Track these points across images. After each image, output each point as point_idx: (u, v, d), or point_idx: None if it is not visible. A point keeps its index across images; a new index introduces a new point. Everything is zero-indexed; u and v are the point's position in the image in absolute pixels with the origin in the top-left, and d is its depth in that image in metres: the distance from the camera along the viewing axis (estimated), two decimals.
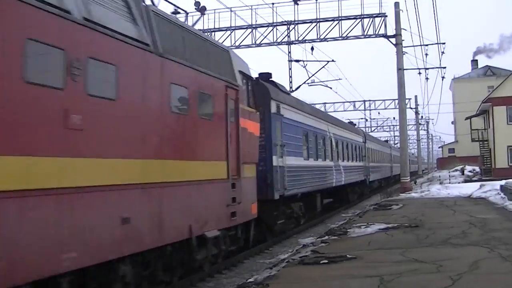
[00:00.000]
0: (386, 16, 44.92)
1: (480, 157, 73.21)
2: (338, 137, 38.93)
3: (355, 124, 61.62)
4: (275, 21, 46.96)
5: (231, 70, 18.43)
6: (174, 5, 18.82)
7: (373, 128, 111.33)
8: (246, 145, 18.59)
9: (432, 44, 53.59)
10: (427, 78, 63.87)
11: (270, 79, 26.88)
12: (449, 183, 55.46)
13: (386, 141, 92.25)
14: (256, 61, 77.43)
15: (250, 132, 19.34)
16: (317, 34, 46.50)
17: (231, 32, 47.72)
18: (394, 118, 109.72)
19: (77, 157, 9.95)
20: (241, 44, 47.76)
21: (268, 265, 18.27)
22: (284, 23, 47.06)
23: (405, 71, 45.76)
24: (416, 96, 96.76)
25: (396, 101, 59.46)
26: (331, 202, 41.79)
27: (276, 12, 46.50)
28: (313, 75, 50.87)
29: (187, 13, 44.97)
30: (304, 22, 46.95)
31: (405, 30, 45.86)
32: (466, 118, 76.85)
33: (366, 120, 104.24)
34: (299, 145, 28.02)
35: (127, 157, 11.64)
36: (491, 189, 35.90)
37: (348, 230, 21.46)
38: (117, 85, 11.28)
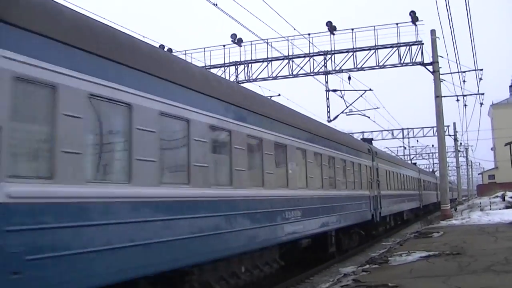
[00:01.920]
0: (423, 43, 44.83)
1: None
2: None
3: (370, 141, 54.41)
4: (311, 51, 47.12)
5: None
6: None
7: (411, 156, 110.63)
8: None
9: (469, 70, 53.25)
10: (465, 105, 63.46)
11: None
12: (490, 209, 54.85)
13: (433, 171, 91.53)
14: (293, 92, 77.25)
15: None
16: (354, 63, 46.55)
17: (268, 64, 47.97)
18: (433, 145, 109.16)
19: None
20: (278, 75, 48.00)
21: None
22: (320, 53, 47.18)
23: (443, 98, 45.54)
24: (454, 123, 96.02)
25: (435, 128, 59.13)
26: None
27: (312, 43, 46.63)
28: (350, 104, 50.79)
29: (224, 46, 45.27)
30: (340, 52, 47.01)
31: (442, 57, 45.56)
32: (506, 144, 76.02)
33: (405, 148, 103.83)
34: None
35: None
36: None
37: (389, 258, 21.38)
38: None
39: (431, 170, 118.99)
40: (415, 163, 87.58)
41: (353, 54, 46.48)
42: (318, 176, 24.82)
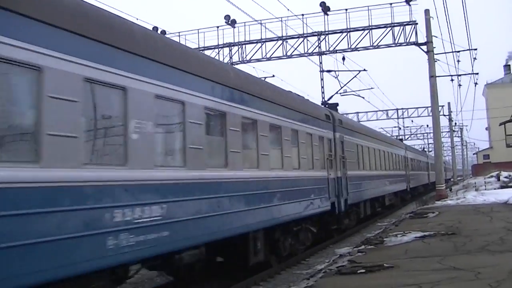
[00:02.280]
0: (417, 23, 44.72)
1: None
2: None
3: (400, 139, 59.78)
4: (305, 32, 47.02)
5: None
6: None
7: (406, 136, 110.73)
8: None
9: (463, 50, 53.21)
10: (459, 85, 63.51)
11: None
12: (485, 189, 54.94)
13: (423, 149, 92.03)
14: (287, 73, 77.15)
15: None
16: (348, 44, 46.46)
17: (262, 45, 47.87)
18: (427, 125, 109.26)
19: None
20: (272, 56, 47.91)
21: (305, 276, 18.28)
22: (314, 34, 47.08)
23: (437, 78, 45.48)
24: (449, 103, 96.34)
25: (429, 108, 59.18)
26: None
27: (306, 23, 46.52)
28: (345, 85, 50.73)
29: (218, 27, 45.11)
30: (334, 32, 46.90)
31: (436, 37, 45.62)
32: (500, 124, 76.05)
33: (400, 128, 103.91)
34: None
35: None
36: None
37: (385, 239, 21.40)
38: None
39: (426, 150, 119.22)
40: (401, 139, 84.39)
41: (347, 35, 46.40)
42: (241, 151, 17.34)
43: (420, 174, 75.17)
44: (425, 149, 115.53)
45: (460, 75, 59.75)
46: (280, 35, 47.19)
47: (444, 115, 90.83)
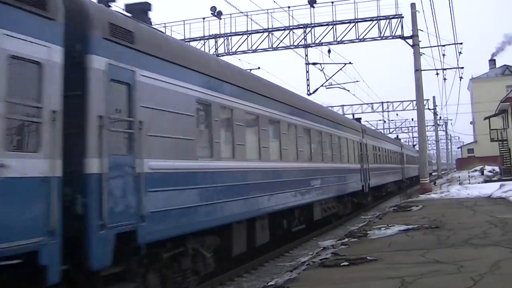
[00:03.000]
0: (403, 17, 44.72)
1: (499, 157, 72.80)
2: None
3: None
4: (291, 24, 46.94)
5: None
6: None
7: (391, 130, 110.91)
8: None
9: (449, 44, 53.25)
10: (445, 79, 63.55)
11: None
12: (469, 183, 55.17)
13: (397, 138, 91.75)
14: (273, 65, 77.21)
15: None
16: (334, 37, 46.40)
17: (248, 37, 47.75)
18: (412, 119, 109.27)
19: None
20: (257, 48, 47.79)
21: (288, 268, 18.31)
22: (300, 26, 47.00)
23: (422, 72, 45.57)
24: (434, 97, 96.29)
25: (414, 102, 59.25)
26: None
27: (292, 16, 46.51)
28: (330, 77, 50.67)
29: (203, 19, 44.98)
30: (320, 25, 46.84)
31: (422, 31, 45.63)
32: (485, 118, 76.44)
33: (384, 121, 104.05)
34: None
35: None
36: (511, 188, 35.73)
37: (368, 232, 21.46)
38: None
39: (411, 144, 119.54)
40: (399, 139, 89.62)
41: (333, 27, 46.33)
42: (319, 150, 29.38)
43: (389, 168, 75.32)
44: (409, 143, 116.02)
45: (445, 69, 59.84)
46: (266, 27, 47.09)
47: (429, 109, 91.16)
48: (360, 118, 56.64)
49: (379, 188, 50.07)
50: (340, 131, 34.51)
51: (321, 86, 51.36)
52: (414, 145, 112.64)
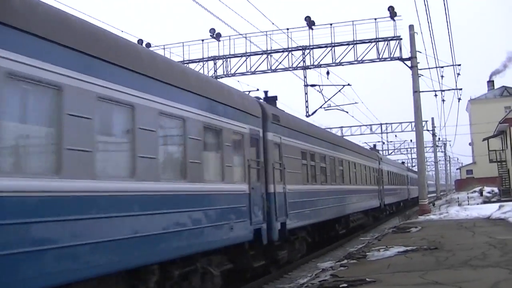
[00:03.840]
0: (401, 39, 44.99)
1: (498, 178, 72.91)
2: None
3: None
4: (290, 46, 47.15)
5: None
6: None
7: (390, 151, 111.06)
8: None
9: (447, 66, 53.39)
10: (443, 100, 63.99)
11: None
12: (468, 204, 55.22)
13: (403, 163, 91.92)
14: (272, 87, 77.15)
15: None
16: (333, 59, 46.61)
17: (247, 58, 47.95)
18: (411, 140, 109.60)
19: None
20: (256, 70, 47.96)
21: None
22: (299, 48, 47.21)
23: (421, 93, 45.75)
24: (432, 118, 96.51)
25: (413, 123, 59.33)
26: None
27: (290, 38, 46.64)
28: (329, 99, 50.78)
29: (202, 41, 45.28)
30: (319, 46, 47.06)
31: (420, 52, 45.70)
32: (484, 139, 76.62)
33: (383, 143, 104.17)
34: None
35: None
36: (511, 209, 35.73)
37: (367, 253, 21.42)
38: None
39: (409, 165, 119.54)
40: (403, 163, 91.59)
41: (331, 49, 46.56)
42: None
43: (398, 189, 67.61)
44: (407, 164, 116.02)
45: (443, 90, 59.94)
46: (265, 49, 47.29)
47: (428, 130, 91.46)
48: (376, 147, 69.35)
49: (390, 205, 58.90)
50: (364, 160, 43.89)
51: (320, 107, 51.53)
52: (413, 166, 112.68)
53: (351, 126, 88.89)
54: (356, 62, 46.30)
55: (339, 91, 49.94)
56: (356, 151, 40.92)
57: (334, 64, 46.88)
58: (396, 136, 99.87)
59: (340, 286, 14.51)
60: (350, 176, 36.41)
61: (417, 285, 13.61)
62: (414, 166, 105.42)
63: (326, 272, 18.55)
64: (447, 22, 45.00)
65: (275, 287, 20.77)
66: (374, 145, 68.48)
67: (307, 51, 47.22)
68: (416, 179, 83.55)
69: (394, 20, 44.68)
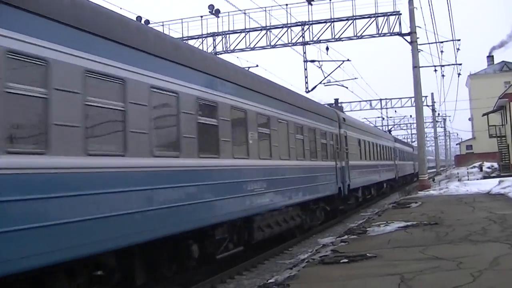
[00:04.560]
0: (401, 14, 44.86)
1: (498, 153, 73.05)
2: None
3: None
4: (289, 22, 47.02)
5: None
6: None
7: (390, 127, 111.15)
8: None
9: (447, 41, 53.39)
10: (443, 75, 64.00)
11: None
12: (468, 180, 55.31)
13: (389, 131, 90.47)
14: (271, 63, 77.36)
15: None
16: (332, 34, 46.50)
17: (246, 34, 47.84)
18: (411, 116, 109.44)
19: None
20: (255, 46, 47.85)
21: (288, 265, 18.30)
22: (298, 23, 47.09)
23: (421, 68, 45.68)
24: (432, 94, 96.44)
25: (413, 99, 59.32)
26: None
27: (290, 13, 46.56)
28: (328, 75, 50.75)
29: (201, 17, 45.04)
30: (318, 22, 46.95)
31: (420, 27, 45.74)
32: (483, 115, 76.63)
33: (383, 118, 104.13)
34: None
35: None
36: (510, 185, 35.79)
37: (368, 229, 21.44)
38: None
39: (409, 140, 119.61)
40: (390, 131, 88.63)
41: (331, 25, 46.43)
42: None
43: (406, 164, 75.96)
44: (407, 139, 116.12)
45: (443, 65, 59.94)
46: (264, 25, 47.15)
47: (428, 106, 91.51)
48: (337, 102, 52.32)
49: (368, 188, 44.36)
50: (303, 117, 26.88)
51: (319, 83, 51.48)
52: (412, 142, 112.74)
53: (350, 102, 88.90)
54: (355, 38, 46.19)
55: (339, 66, 49.97)
56: (381, 136, 58.82)
57: (333, 40, 46.78)
58: (396, 111, 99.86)
59: (341, 261, 14.53)
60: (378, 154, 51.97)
61: (418, 260, 13.62)
62: (414, 141, 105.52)
63: (327, 247, 18.57)
64: None
65: (276, 262, 20.85)
66: (336, 102, 54.01)
67: (306, 26, 47.11)
68: (409, 153, 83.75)
69: None
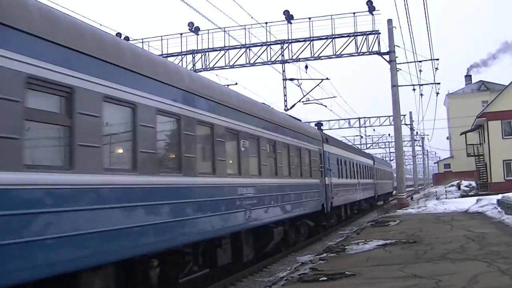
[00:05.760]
0: (380, 33, 45.11)
1: (476, 172, 73.35)
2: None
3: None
4: (268, 40, 47.14)
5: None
6: None
7: (368, 145, 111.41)
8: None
9: (426, 60, 53.67)
10: (421, 94, 63.91)
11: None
12: (446, 198, 55.51)
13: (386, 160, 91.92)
14: (250, 81, 77.27)
15: None
16: (311, 53, 46.67)
17: (225, 52, 47.92)
18: (389, 134, 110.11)
19: None
20: (235, 64, 47.93)
21: (267, 283, 18.28)
22: (278, 42, 47.22)
23: (399, 87, 45.91)
24: (410, 112, 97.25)
25: (391, 117, 59.56)
26: None
27: (269, 32, 46.64)
28: (307, 93, 50.84)
29: (181, 34, 45.11)
30: (297, 40, 47.11)
31: (399, 47, 46.14)
32: (461, 133, 76.95)
33: (361, 137, 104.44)
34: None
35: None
36: (488, 203, 35.93)
37: (346, 247, 21.47)
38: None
39: (387, 158, 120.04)
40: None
41: (310, 43, 46.62)
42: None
43: (385, 183, 77.02)
44: (386, 158, 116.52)
45: (422, 84, 60.11)
46: (244, 42, 47.25)
47: (406, 124, 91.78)
48: (321, 124, 50.19)
49: (349, 205, 45.15)
50: (289, 137, 26.93)
51: (298, 101, 51.56)
52: (391, 160, 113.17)
53: (329, 120, 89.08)
54: (334, 56, 46.39)
55: (318, 85, 50.02)
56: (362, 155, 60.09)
57: (312, 58, 46.95)
58: (374, 130, 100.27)
59: (320, 279, 14.54)
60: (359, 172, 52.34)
61: (397, 278, 13.65)
62: (392, 160, 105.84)
63: (306, 265, 18.60)
64: (425, 17, 45.46)
65: (255, 280, 20.78)
66: (319, 124, 52.07)
67: (286, 45, 47.26)
68: (388, 172, 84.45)
69: (372, 15, 44.83)
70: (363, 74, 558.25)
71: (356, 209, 50.60)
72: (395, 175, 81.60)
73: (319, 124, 48.04)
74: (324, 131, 45.72)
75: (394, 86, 44.95)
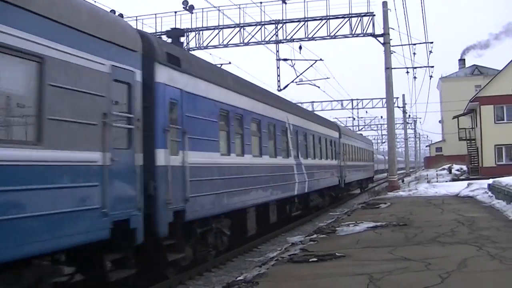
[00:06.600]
0: (374, 15, 44.96)
1: (467, 156, 73.44)
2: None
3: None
4: (263, 20, 46.94)
5: None
6: None
7: (360, 127, 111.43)
8: None
9: (420, 43, 53.64)
10: (415, 77, 63.91)
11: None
12: (437, 182, 55.56)
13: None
14: (244, 60, 77.30)
15: None
16: (305, 33, 46.51)
17: (219, 31, 47.69)
18: (381, 117, 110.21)
19: None
20: (229, 43, 47.74)
21: (257, 263, 18.29)
22: (272, 22, 47.03)
23: (393, 70, 45.87)
24: (403, 95, 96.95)
25: (384, 100, 59.59)
26: None
27: (264, 11, 46.45)
28: (301, 74, 50.79)
29: (175, 12, 44.95)
30: (292, 21, 46.93)
31: (393, 29, 46.09)
32: (454, 117, 76.94)
33: (354, 119, 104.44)
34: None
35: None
36: (479, 187, 35.98)
37: (337, 228, 21.49)
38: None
39: (379, 141, 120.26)
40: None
41: (304, 24, 46.44)
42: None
43: (360, 166, 79.41)
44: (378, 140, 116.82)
45: (415, 67, 60.19)
46: (238, 22, 47.05)
47: (399, 107, 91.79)
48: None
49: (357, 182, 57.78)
50: (321, 130, 39.48)
51: (291, 82, 51.55)
52: (383, 142, 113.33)
53: (322, 101, 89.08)
54: (328, 37, 46.24)
55: (311, 66, 49.97)
56: (367, 142, 73.99)
57: (306, 39, 46.79)
58: (366, 112, 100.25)
59: (310, 260, 14.56)
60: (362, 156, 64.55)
61: (386, 260, 13.68)
62: (385, 142, 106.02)
63: (296, 246, 18.62)
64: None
65: (245, 260, 20.82)
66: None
67: (280, 25, 47.07)
68: (356, 148, 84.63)
69: None
70: (357, 56, 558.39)
71: (360, 185, 62.65)
72: (379, 156, 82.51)
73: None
74: (315, 111, 46.55)
75: (388, 68, 44.89)
